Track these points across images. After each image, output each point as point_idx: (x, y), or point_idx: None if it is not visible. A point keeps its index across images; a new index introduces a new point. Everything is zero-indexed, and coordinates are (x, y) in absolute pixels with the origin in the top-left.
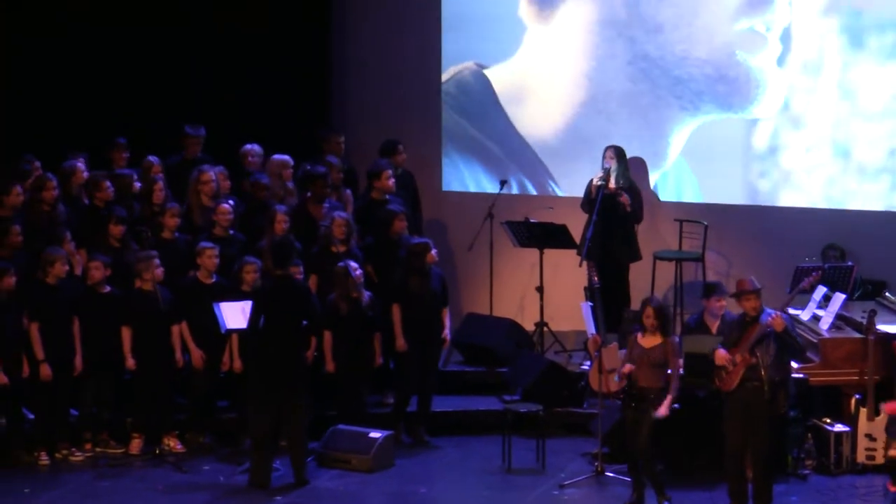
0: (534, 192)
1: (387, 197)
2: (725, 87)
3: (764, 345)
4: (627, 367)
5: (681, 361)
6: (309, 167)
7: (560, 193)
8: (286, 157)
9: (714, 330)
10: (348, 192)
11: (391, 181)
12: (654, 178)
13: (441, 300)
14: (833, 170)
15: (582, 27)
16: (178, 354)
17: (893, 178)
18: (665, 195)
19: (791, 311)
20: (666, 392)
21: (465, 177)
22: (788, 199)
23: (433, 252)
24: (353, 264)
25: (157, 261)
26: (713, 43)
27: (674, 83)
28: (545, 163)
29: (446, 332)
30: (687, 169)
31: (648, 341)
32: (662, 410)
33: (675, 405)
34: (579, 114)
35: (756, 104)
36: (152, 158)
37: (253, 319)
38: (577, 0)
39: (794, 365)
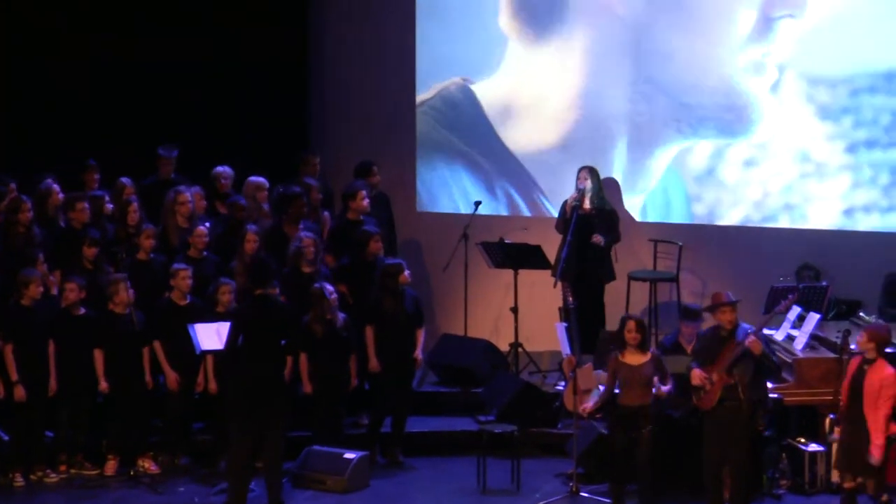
0: (524, 209)
1: (362, 218)
2: (731, 114)
3: (741, 365)
4: (603, 397)
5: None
6: (282, 188)
7: (551, 209)
8: (261, 179)
9: (689, 352)
10: (326, 213)
11: (366, 202)
12: (638, 199)
13: (415, 321)
14: (806, 189)
15: (579, 48)
16: (148, 376)
17: (869, 198)
18: (652, 215)
19: (765, 330)
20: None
21: (439, 197)
22: (762, 218)
23: (406, 273)
24: (329, 287)
25: (127, 283)
26: (720, 70)
27: (677, 107)
28: (534, 179)
29: (418, 353)
30: (674, 188)
31: (635, 358)
32: (668, 387)
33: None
34: (570, 131)
35: (754, 130)
36: (125, 180)
37: (231, 340)
38: (575, 21)
39: (769, 385)
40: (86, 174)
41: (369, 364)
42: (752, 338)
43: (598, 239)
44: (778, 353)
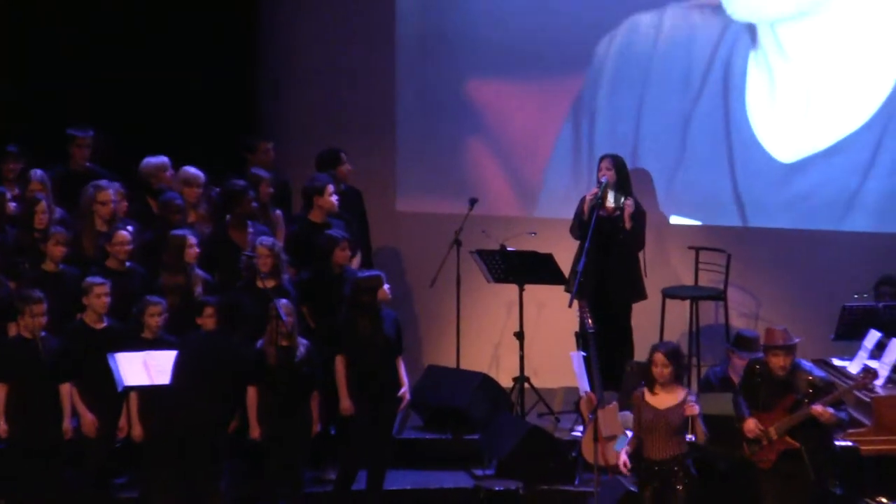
0: (531, 209)
1: (328, 219)
2: None
3: (806, 428)
4: (632, 443)
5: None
6: (228, 183)
7: (565, 209)
8: (195, 172)
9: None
10: (278, 212)
11: (334, 198)
12: (664, 196)
13: (396, 348)
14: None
15: None
16: (67, 422)
17: None
18: (691, 216)
19: (836, 361)
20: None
21: (425, 194)
22: (833, 221)
23: (386, 288)
24: (285, 302)
25: (43, 305)
26: None
27: None
28: (546, 171)
29: (405, 389)
30: (706, 184)
31: (662, 400)
32: (695, 408)
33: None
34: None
35: None
36: (36, 172)
37: (177, 375)
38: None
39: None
40: (4, 164)
41: (340, 404)
42: (822, 409)
43: (628, 206)
44: (853, 393)
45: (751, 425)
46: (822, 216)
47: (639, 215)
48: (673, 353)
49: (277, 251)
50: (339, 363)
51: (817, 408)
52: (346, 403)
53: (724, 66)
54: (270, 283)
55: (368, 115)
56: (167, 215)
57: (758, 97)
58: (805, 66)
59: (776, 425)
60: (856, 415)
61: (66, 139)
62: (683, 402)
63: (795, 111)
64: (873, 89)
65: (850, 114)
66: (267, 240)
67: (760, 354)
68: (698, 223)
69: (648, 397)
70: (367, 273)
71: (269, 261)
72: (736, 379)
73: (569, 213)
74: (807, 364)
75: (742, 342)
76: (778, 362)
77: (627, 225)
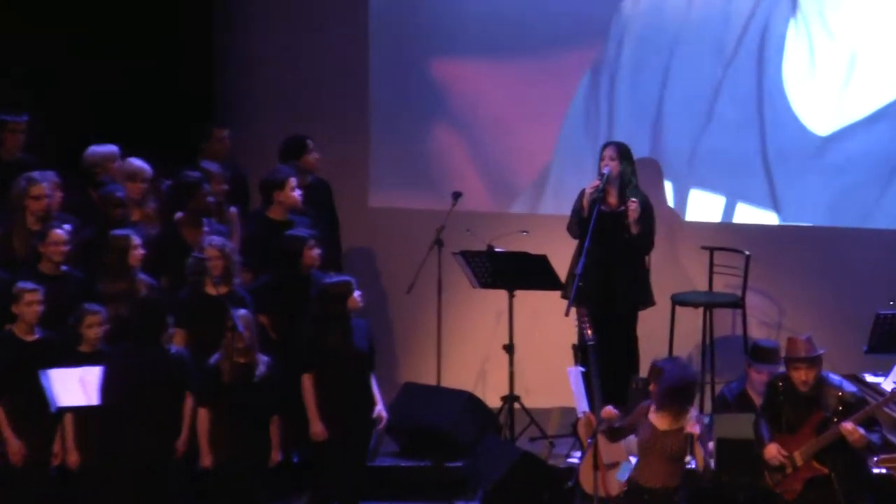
0: (523, 203)
1: (290, 217)
2: None
3: (836, 451)
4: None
5: (711, 447)
6: (180, 175)
7: (562, 204)
8: (139, 164)
9: (759, 406)
10: (233, 209)
11: (297, 193)
12: (674, 190)
13: (368, 363)
14: None
15: None
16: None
17: None
18: (691, 213)
19: (868, 377)
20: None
21: (402, 187)
22: (862, 217)
23: (356, 295)
24: (243, 312)
25: None
26: None
27: None
28: (540, 160)
29: (380, 409)
30: (722, 177)
31: (664, 420)
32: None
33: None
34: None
35: None
36: None
37: (105, 393)
38: None
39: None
40: None
41: (310, 428)
42: (852, 427)
43: (633, 206)
44: (887, 412)
45: (772, 451)
46: (857, 205)
47: (646, 213)
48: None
49: (228, 252)
50: (307, 382)
51: (847, 426)
52: (317, 427)
53: (760, 32)
54: (222, 290)
55: (339, 98)
56: (106, 210)
57: (796, 66)
58: (847, 35)
59: (801, 449)
60: (892, 439)
61: None
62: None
63: (834, 82)
64: None
65: (892, 83)
66: (216, 239)
67: (782, 368)
68: (715, 220)
69: (652, 414)
70: (335, 278)
71: (220, 263)
72: (755, 396)
73: (566, 209)
74: (835, 378)
75: (760, 354)
76: (800, 376)
77: (633, 230)
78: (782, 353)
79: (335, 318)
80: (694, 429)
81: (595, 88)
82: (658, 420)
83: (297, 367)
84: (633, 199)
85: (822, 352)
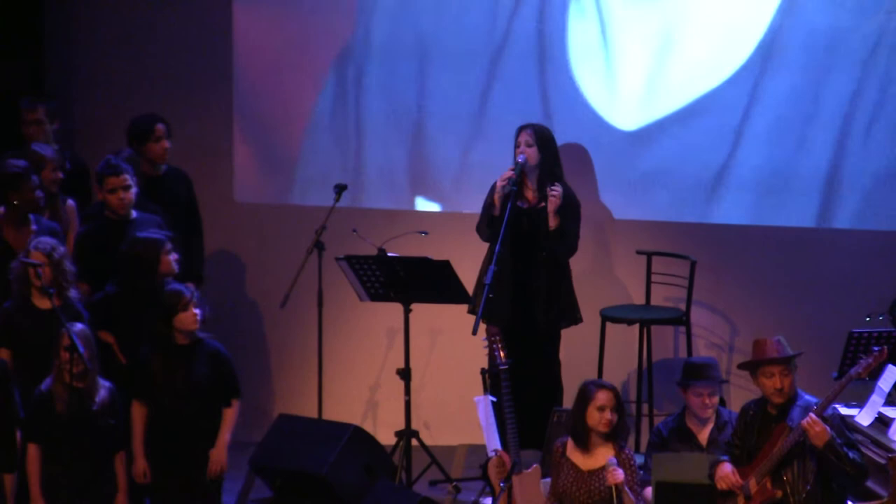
0: (421, 199)
1: (134, 215)
2: None
3: (797, 465)
4: None
5: (648, 494)
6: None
7: (469, 200)
8: None
9: (704, 441)
10: (71, 203)
11: (131, 192)
12: (605, 180)
13: (215, 393)
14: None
15: None
16: None
17: None
18: (629, 210)
19: (841, 409)
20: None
21: (274, 178)
22: (835, 215)
23: (196, 312)
24: (80, 328)
25: None
26: None
27: None
28: (443, 145)
29: (218, 449)
30: (672, 167)
31: (590, 460)
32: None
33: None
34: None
35: None
36: None
37: None
38: None
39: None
40: None
41: (133, 468)
42: (812, 418)
43: (555, 192)
44: (861, 446)
45: (723, 472)
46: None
47: (571, 208)
48: (617, 395)
49: (60, 257)
50: (137, 413)
51: (807, 420)
52: (140, 466)
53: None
54: (54, 302)
55: (196, 71)
56: None
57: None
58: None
59: (756, 471)
60: (872, 486)
61: None
62: (618, 462)
63: (639, 71)
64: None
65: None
66: (46, 241)
67: (715, 387)
68: (654, 219)
69: (572, 452)
70: (172, 286)
71: (49, 270)
72: (694, 426)
73: (476, 206)
74: (811, 397)
75: (692, 371)
76: (774, 384)
77: (552, 223)
78: (745, 359)
79: (164, 337)
80: (616, 477)
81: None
82: (581, 459)
83: (131, 394)
84: (556, 185)
85: (796, 353)
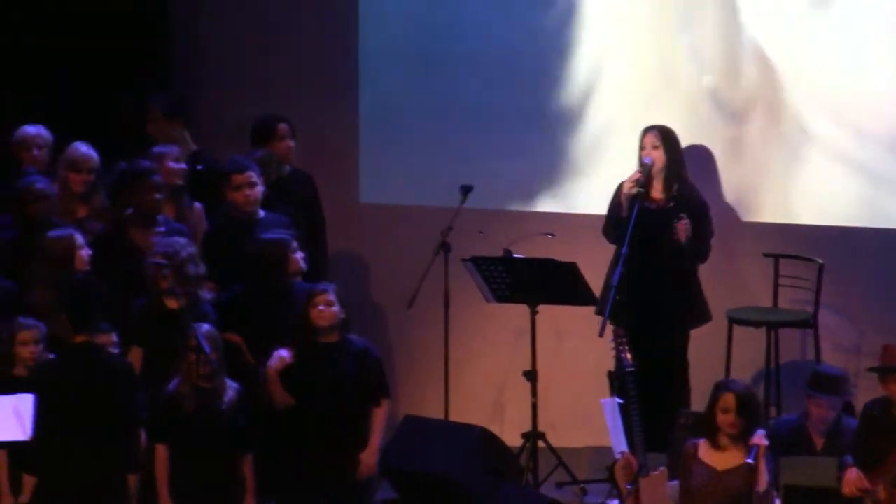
0: (548, 201)
1: (260, 214)
2: None
3: None
4: None
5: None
6: (130, 164)
7: (595, 202)
8: (85, 150)
9: (820, 446)
10: (198, 205)
11: (257, 189)
12: (730, 183)
13: (361, 393)
14: None
15: None
16: None
17: None
18: (753, 212)
19: None
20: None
21: (399, 180)
22: None
23: (325, 306)
24: (207, 329)
25: None
26: None
27: None
28: (566, 150)
29: (369, 453)
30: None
31: (723, 459)
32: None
33: None
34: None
35: None
36: None
37: (38, 425)
38: None
39: None
40: None
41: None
42: None
43: (683, 225)
44: None
45: (852, 477)
46: None
47: (702, 214)
48: (747, 397)
49: (184, 259)
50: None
51: None
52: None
53: None
54: (181, 302)
55: (323, 71)
56: (24, 206)
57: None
58: None
59: (886, 476)
60: None
61: None
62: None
63: None
64: None
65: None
66: (171, 243)
67: (841, 400)
68: (780, 221)
69: (704, 453)
70: (310, 285)
71: (173, 272)
72: (814, 434)
73: (602, 207)
74: None
75: (818, 382)
76: None
77: (683, 238)
78: (851, 381)
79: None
80: (761, 440)
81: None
82: (714, 458)
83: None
84: (683, 217)
85: None
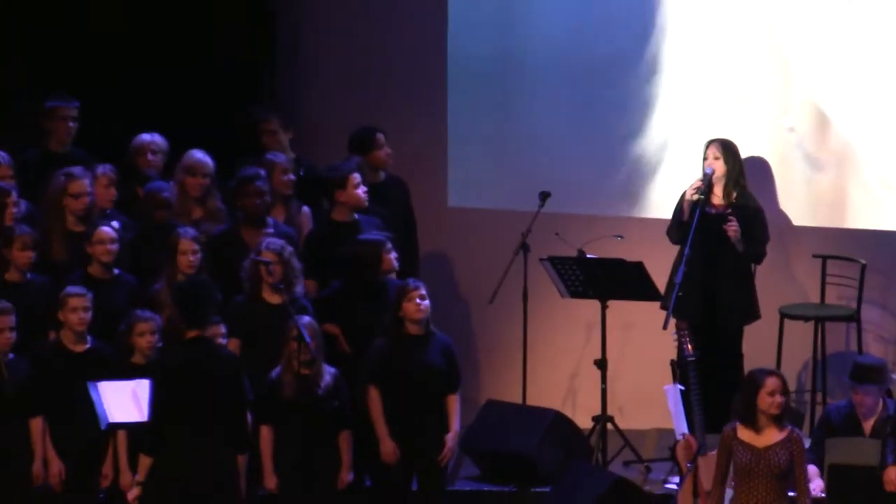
0: (618, 206)
1: (356, 217)
2: None
3: None
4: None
5: (817, 477)
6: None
7: (661, 207)
8: (199, 155)
9: (868, 430)
10: (305, 209)
11: (360, 191)
12: (785, 190)
13: (446, 381)
14: None
15: None
16: (39, 464)
17: None
18: (815, 218)
19: None
20: None
21: (483, 185)
22: None
23: (420, 300)
24: (307, 320)
25: (10, 317)
26: None
27: None
28: (633, 158)
29: (451, 435)
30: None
31: (761, 438)
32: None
33: None
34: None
35: None
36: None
37: (155, 409)
38: None
39: None
40: None
41: (381, 449)
42: None
43: (732, 227)
44: None
45: (891, 475)
46: None
47: (756, 219)
48: (783, 381)
49: (288, 257)
50: (374, 397)
51: None
52: (388, 447)
53: None
54: (283, 297)
55: (412, 85)
56: (148, 210)
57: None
58: None
59: None
60: None
61: (43, 114)
62: (786, 440)
63: None
64: None
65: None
66: (275, 242)
67: (884, 388)
68: (828, 225)
69: (743, 433)
70: (401, 282)
71: (278, 269)
72: (861, 417)
73: (668, 212)
74: None
75: (861, 373)
76: None
77: (738, 248)
78: (891, 360)
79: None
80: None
81: None
82: (754, 439)
83: (364, 380)
84: (732, 220)
85: None
